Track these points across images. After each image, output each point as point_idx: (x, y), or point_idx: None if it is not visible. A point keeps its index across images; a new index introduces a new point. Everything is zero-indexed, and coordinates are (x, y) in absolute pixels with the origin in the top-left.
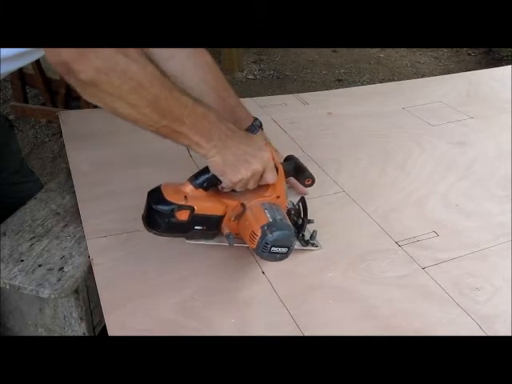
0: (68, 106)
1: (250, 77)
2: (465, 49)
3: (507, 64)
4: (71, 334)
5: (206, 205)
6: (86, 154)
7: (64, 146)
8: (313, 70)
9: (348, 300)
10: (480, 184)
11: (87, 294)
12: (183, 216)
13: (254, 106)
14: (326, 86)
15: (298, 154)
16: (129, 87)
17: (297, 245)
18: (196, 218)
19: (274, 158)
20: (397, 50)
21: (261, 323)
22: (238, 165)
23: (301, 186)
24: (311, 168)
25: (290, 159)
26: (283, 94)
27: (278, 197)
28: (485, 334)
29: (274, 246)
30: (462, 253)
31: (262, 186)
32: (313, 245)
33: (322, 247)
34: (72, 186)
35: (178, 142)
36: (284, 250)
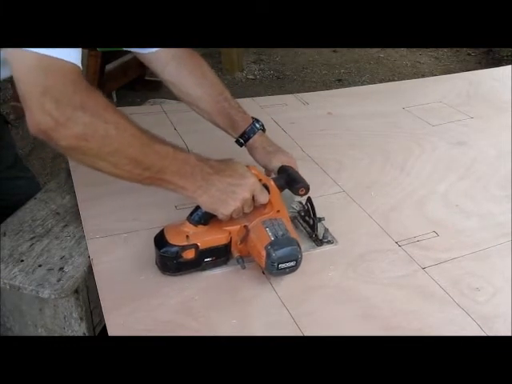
0: None
1: (250, 77)
2: (465, 49)
3: (507, 64)
4: (71, 334)
5: (209, 238)
6: None
7: None
8: (313, 70)
9: (348, 300)
10: (480, 184)
11: (87, 294)
12: (190, 254)
13: (254, 105)
14: (326, 86)
15: (297, 154)
16: (109, 150)
17: (312, 247)
18: (203, 253)
19: (261, 179)
20: (397, 49)
21: (261, 323)
22: (225, 198)
23: None
24: (311, 168)
25: (282, 171)
26: (283, 94)
27: (278, 211)
28: (485, 334)
29: (280, 263)
30: (462, 253)
31: (260, 205)
32: (328, 242)
33: (338, 241)
34: (72, 186)
35: (164, 187)
36: (292, 263)
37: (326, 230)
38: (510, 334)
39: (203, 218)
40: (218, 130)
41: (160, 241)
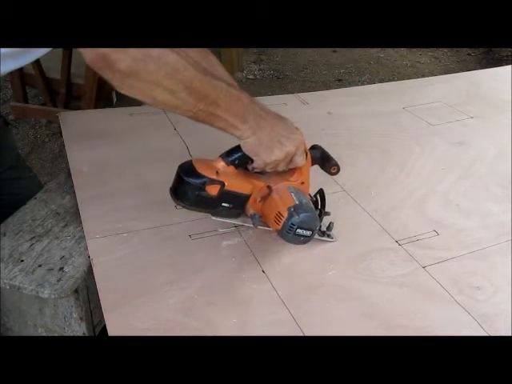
0: (68, 105)
1: (250, 77)
2: (465, 49)
3: (507, 64)
4: (71, 334)
5: (236, 182)
6: (85, 154)
7: (64, 146)
8: (313, 70)
9: (348, 299)
10: (480, 183)
11: (87, 294)
12: (213, 191)
13: None
14: (326, 86)
15: None
16: (165, 72)
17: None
18: (225, 195)
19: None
20: (397, 50)
21: (261, 322)
22: (271, 146)
23: None
24: (311, 168)
25: (316, 148)
26: (283, 94)
27: (303, 183)
28: (485, 333)
29: (299, 228)
30: (462, 252)
31: (287, 171)
32: (329, 236)
33: (337, 240)
34: (72, 186)
35: (214, 125)
36: (308, 233)
37: (332, 223)
38: (510, 333)
39: (239, 159)
40: (218, 131)
41: (187, 169)
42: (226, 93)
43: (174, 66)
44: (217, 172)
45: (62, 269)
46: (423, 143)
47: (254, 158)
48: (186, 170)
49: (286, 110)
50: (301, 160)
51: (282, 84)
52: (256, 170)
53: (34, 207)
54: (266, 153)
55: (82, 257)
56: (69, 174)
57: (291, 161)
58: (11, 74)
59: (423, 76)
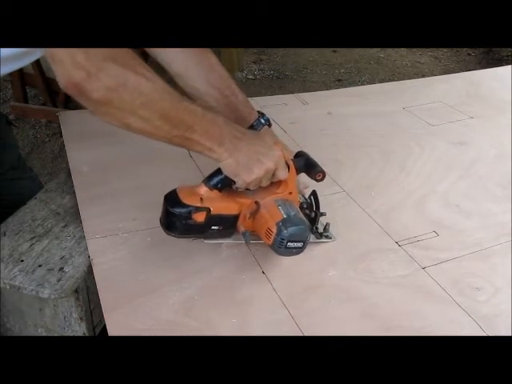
0: (68, 105)
1: (250, 77)
2: (465, 49)
3: (507, 64)
4: (71, 334)
5: (222, 205)
6: (85, 154)
7: (64, 145)
8: (313, 70)
9: (348, 300)
10: (480, 184)
11: (87, 294)
12: (200, 217)
13: (254, 105)
14: (326, 86)
15: None
16: (140, 102)
17: (311, 238)
18: (212, 219)
19: (284, 156)
20: (397, 50)
21: (261, 323)
22: (250, 165)
23: None
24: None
25: (300, 155)
26: (283, 94)
27: (291, 193)
28: (485, 334)
29: (289, 242)
30: (462, 253)
31: (274, 183)
32: (326, 237)
33: (336, 239)
34: (72, 186)
35: (191, 149)
36: (299, 244)
37: (328, 224)
38: (510, 334)
39: (221, 182)
40: None
41: (172, 199)
42: (202, 117)
43: (150, 96)
44: (201, 198)
45: (62, 269)
46: (423, 143)
47: (234, 179)
48: (172, 201)
49: (286, 110)
50: (283, 174)
51: (282, 84)
52: (240, 190)
53: (34, 207)
54: (245, 173)
55: (82, 257)
56: (69, 174)
57: (274, 175)
58: (11, 74)
59: (423, 76)
